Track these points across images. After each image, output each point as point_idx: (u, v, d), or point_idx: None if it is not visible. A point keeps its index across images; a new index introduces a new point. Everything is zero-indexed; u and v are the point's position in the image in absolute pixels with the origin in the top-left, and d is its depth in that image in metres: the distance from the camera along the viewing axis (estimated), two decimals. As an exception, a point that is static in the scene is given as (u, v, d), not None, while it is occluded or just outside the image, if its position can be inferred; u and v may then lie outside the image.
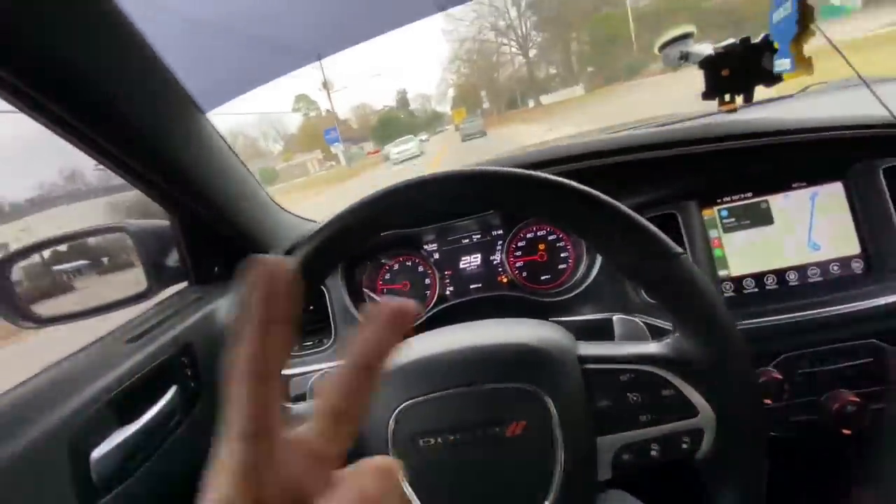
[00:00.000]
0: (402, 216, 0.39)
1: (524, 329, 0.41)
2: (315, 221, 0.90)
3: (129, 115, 0.55)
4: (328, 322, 0.75)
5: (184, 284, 0.75)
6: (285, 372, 0.73)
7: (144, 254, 0.71)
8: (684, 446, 0.36)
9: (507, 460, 0.36)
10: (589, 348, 0.39)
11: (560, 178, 0.36)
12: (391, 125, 55.70)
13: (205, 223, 0.70)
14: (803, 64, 0.66)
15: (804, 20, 0.63)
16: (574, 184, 0.36)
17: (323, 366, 0.70)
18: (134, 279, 0.73)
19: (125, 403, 0.52)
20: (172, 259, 0.74)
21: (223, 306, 0.70)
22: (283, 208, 0.89)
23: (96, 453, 0.47)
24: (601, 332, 0.65)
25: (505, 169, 0.36)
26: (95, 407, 0.48)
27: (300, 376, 0.67)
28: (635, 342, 0.40)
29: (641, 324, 0.45)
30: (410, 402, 0.37)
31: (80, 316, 0.69)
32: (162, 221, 0.74)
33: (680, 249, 0.35)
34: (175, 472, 0.55)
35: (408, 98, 59.35)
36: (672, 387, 0.36)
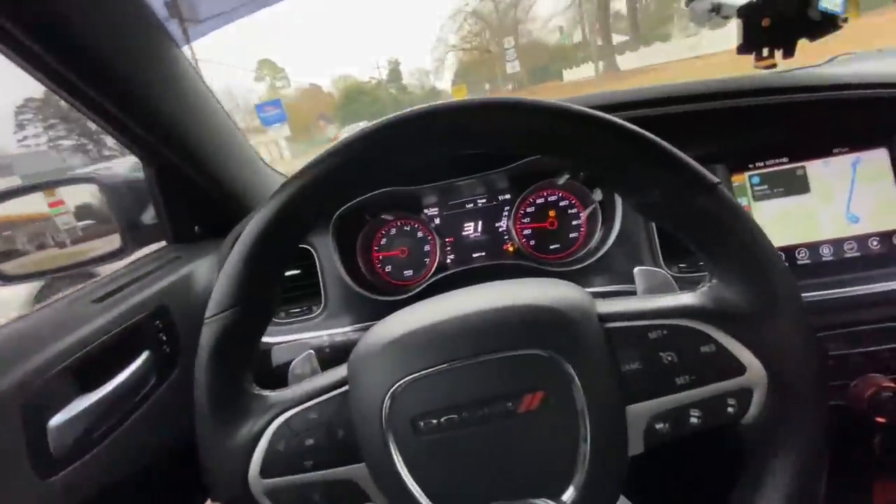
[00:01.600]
0: (405, 156, 0.33)
1: (532, 288, 0.36)
2: None
3: (94, 42, 0.49)
4: (318, 286, 0.70)
5: (162, 243, 0.70)
6: (267, 340, 0.68)
7: (118, 209, 0.66)
8: (730, 410, 0.32)
9: (523, 439, 0.32)
10: (610, 305, 0.34)
11: (565, 103, 0.30)
12: (360, 102, 39.65)
13: (184, 175, 0.64)
14: (853, 3, 0.59)
15: None
16: (577, 106, 0.30)
17: (309, 335, 0.65)
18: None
19: (89, 368, 0.47)
20: (150, 216, 0.69)
21: (203, 267, 0.65)
22: (268, 165, 0.82)
23: (55, 421, 0.43)
24: None
25: (521, 98, 0.30)
26: (54, 371, 0.44)
27: (283, 345, 0.62)
28: (663, 295, 0.35)
29: (668, 275, 0.39)
30: (407, 379, 0.32)
31: (49, 273, 0.64)
32: (139, 175, 0.68)
33: (716, 179, 0.30)
34: (148, 443, 0.51)
35: (400, 71, 44.80)
36: (712, 342, 0.31)
